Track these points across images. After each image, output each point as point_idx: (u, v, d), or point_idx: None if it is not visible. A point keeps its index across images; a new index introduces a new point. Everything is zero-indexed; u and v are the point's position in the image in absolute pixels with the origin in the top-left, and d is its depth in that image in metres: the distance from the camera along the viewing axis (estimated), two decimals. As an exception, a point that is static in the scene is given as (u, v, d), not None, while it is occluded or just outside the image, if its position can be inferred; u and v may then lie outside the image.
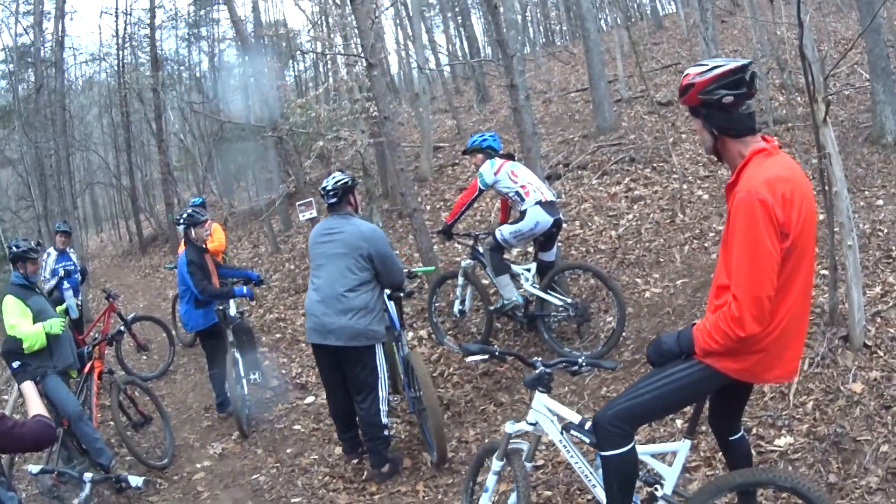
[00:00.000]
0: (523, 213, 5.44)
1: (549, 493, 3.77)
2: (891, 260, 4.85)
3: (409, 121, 16.73)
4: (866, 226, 5.53)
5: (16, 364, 4.66)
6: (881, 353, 3.74)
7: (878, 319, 4.03)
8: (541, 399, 2.91)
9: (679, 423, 3.89)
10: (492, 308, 5.82)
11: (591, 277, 6.19)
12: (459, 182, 11.27)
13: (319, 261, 4.49)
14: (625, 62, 14.51)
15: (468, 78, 21.97)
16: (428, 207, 10.46)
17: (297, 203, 9.29)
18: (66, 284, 7.26)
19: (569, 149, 10.77)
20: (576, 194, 8.86)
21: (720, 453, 3.04)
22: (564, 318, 5.65)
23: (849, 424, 3.36)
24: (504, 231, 5.53)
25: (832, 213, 3.90)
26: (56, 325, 4.87)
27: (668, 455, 2.77)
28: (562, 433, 2.84)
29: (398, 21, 19.76)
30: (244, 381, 5.89)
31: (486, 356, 3.09)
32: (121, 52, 20.27)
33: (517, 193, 5.49)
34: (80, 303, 7.86)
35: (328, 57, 12.47)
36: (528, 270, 5.73)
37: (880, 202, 6.23)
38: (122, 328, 6.62)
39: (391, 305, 4.88)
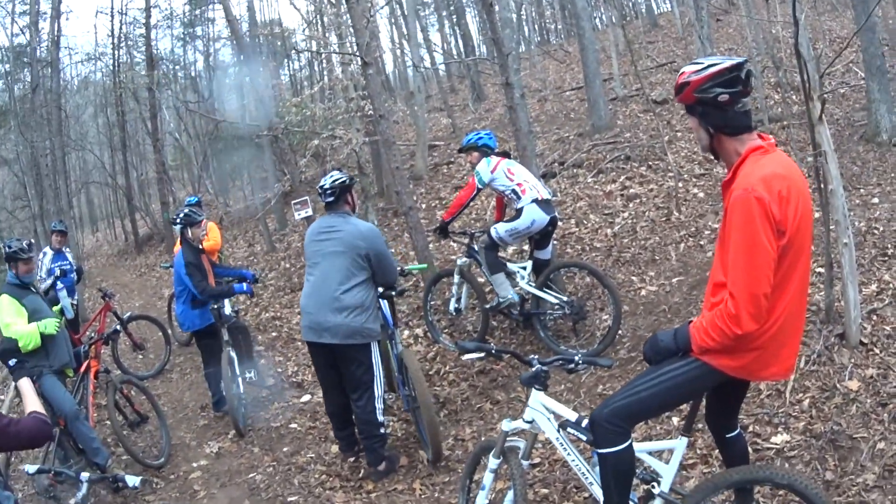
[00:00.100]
0: (519, 211, 5.45)
1: (545, 490, 3.76)
2: (886, 257, 4.87)
3: (405, 119, 16.72)
4: (862, 224, 5.55)
5: (12, 362, 4.64)
6: (877, 351, 3.76)
7: (874, 317, 4.05)
8: (537, 397, 2.90)
9: (676, 420, 3.89)
10: (487, 306, 5.83)
11: (586, 275, 6.19)
12: (455, 180, 11.26)
13: (316, 259, 4.48)
14: (620, 60, 14.52)
15: (463, 76, 21.95)
16: (423, 206, 10.46)
17: (293, 202, 9.27)
18: (59, 284, 7.23)
19: (564, 147, 10.79)
20: (571, 192, 8.86)
21: (717, 451, 3.03)
22: (560, 316, 5.65)
23: (845, 422, 3.37)
24: (500, 229, 5.53)
25: (828, 211, 3.91)
26: (51, 325, 4.83)
27: (664, 452, 2.78)
28: (558, 431, 2.83)
29: (393, 20, 19.71)
30: (240, 379, 5.89)
31: (482, 354, 3.09)
32: (116, 52, 20.28)
33: (513, 191, 5.49)
34: (76, 302, 7.85)
35: (323, 56, 12.42)
36: (524, 268, 5.73)
37: (876, 200, 6.26)
38: (118, 327, 6.59)
39: (384, 304, 4.88)
